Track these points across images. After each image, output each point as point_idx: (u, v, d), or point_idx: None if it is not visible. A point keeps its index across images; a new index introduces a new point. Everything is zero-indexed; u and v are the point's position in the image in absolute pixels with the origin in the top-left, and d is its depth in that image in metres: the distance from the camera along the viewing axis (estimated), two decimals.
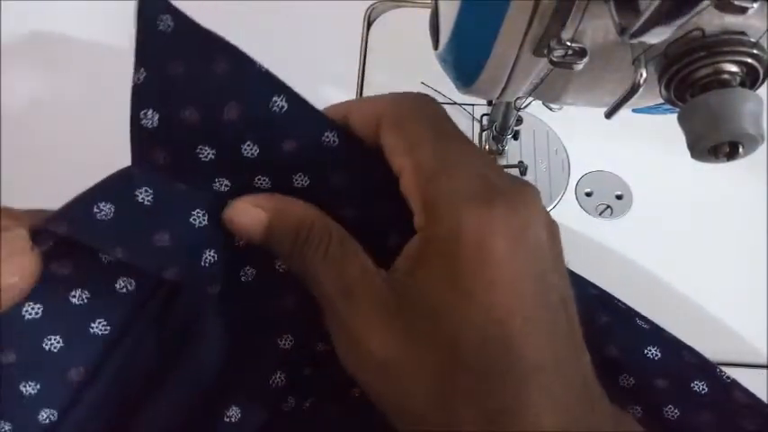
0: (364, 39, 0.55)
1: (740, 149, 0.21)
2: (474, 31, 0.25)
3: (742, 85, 0.21)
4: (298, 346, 0.21)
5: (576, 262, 0.23)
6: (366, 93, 0.52)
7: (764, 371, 0.41)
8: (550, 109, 0.39)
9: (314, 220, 0.19)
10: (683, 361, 0.25)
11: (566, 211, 0.47)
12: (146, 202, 0.18)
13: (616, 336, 0.25)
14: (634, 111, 0.29)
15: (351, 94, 0.52)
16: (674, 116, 0.23)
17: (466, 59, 0.27)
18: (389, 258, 0.19)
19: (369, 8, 0.56)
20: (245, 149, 0.19)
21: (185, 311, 0.21)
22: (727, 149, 0.21)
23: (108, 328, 0.21)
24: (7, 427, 0.19)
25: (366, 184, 0.20)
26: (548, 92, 0.28)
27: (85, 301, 0.20)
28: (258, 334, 0.21)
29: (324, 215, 0.20)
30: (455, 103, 0.51)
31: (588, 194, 0.48)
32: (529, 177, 0.48)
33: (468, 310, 0.17)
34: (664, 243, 0.45)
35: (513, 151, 0.49)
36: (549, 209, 0.47)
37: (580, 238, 0.45)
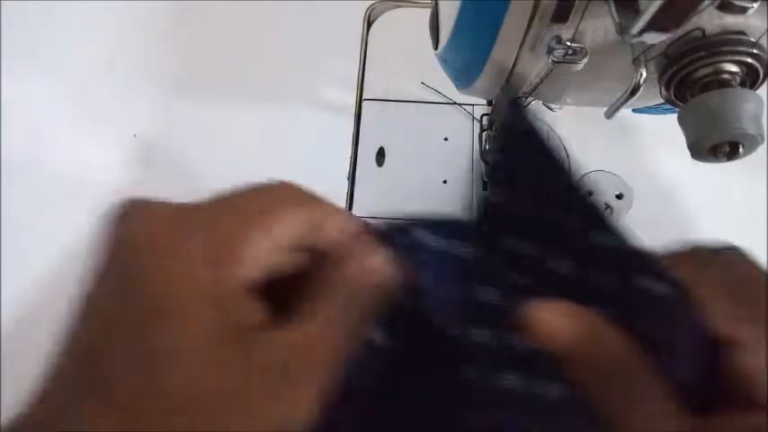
0: (364, 39, 0.55)
1: (740, 149, 0.21)
2: (474, 31, 0.25)
3: (742, 85, 0.21)
4: None
5: None
6: (366, 93, 0.52)
7: None
8: (550, 109, 0.39)
9: (635, 367, 0.17)
10: None
11: None
12: (462, 256, 0.20)
13: None
14: (634, 111, 0.29)
15: (351, 95, 0.52)
16: (674, 116, 0.23)
17: (466, 59, 0.27)
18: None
19: (369, 8, 0.56)
20: (553, 264, 0.19)
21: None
22: (727, 149, 0.21)
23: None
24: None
25: (683, 340, 0.18)
26: (548, 92, 0.28)
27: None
28: None
29: (644, 357, 0.17)
30: (455, 103, 0.51)
31: (588, 194, 0.48)
32: None
33: None
34: (664, 243, 0.45)
35: None
36: None
37: None
